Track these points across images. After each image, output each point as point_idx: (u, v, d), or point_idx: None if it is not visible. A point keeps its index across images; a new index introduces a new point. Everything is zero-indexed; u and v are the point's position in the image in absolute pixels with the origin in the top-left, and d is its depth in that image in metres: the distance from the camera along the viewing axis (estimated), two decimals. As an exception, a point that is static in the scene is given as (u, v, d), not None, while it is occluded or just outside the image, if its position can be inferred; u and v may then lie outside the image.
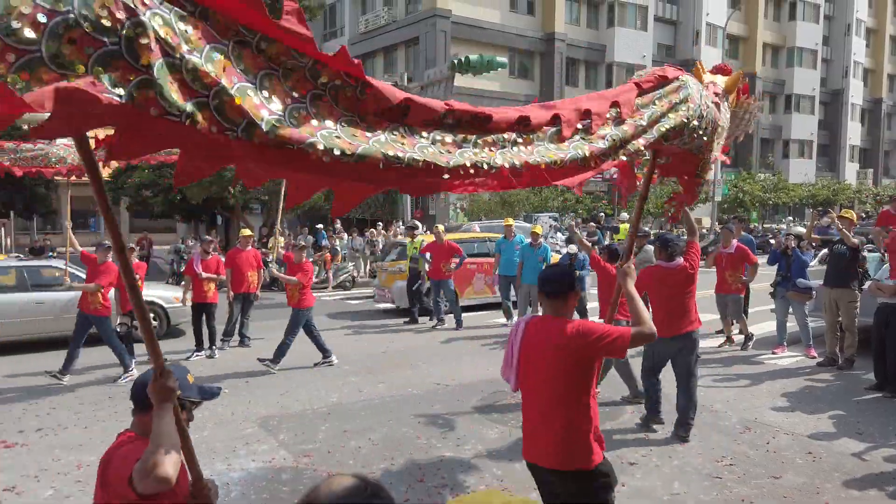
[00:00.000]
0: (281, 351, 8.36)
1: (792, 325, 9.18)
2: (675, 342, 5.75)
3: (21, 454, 5.59)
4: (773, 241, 13.23)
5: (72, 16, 1.50)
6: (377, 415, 6.55)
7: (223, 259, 9.88)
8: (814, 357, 8.68)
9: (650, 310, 5.79)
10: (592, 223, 20.28)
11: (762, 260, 9.73)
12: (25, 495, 4.80)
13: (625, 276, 3.30)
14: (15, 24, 1.44)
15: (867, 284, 8.00)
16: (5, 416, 6.64)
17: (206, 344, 9.33)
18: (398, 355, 9.06)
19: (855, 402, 6.90)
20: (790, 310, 9.02)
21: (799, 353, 8.94)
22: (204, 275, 9.20)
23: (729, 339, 9.59)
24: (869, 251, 9.13)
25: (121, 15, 1.56)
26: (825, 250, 10.02)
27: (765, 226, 34.78)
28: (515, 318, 11.43)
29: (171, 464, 1.90)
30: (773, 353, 9.05)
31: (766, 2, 47.13)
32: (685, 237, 6.67)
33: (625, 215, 20.99)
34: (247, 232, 10.28)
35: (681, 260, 5.84)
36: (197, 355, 9.23)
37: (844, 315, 8.15)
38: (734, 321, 9.50)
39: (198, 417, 6.51)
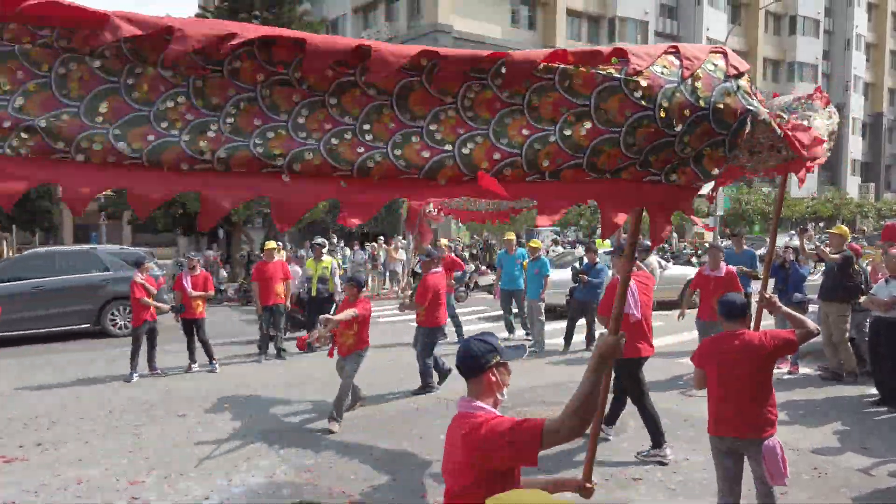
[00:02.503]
0: None
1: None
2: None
3: (20, 469, 5.56)
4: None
5: None
6: (379, 429, 6.52)
7: (210, 276, 9.89)
8: (792, 373, 8.64)
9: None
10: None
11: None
12: (24, 511, 4.78)
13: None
14: None
15: (863, 299, 7.96)
16: (5, 430, 6.62)
17: (206, 359, 9.32)
18: (400, 369, 9.02)
19: (859, 416, 6.85)
20: (787, 324, 8.96)
21: (803, 367, 8.89)
22: (194, 293, 9.23)
23: None
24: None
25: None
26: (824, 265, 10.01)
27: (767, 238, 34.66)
28: (517, 333, 11.42)
29: None
30: (778, 367, 8.99)
31: (766, 17, 47.43)
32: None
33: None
34: (271, 244, 10.41)
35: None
36: (194, 367, 9.27)
37: (834, 328, 8.15)
38: None
39: (197, 431, 6.51)
